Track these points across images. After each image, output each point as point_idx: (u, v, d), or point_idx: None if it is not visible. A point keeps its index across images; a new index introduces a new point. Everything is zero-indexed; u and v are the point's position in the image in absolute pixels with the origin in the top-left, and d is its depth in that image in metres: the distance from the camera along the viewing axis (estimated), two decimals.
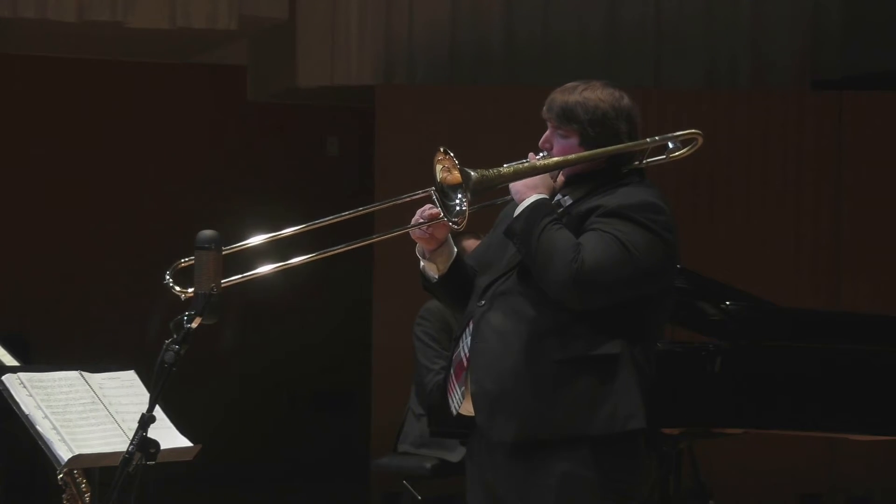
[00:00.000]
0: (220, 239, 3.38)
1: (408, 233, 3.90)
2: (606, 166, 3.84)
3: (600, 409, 3.69)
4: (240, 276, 3.71)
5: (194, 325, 3.35)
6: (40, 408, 3.74)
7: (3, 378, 3.78)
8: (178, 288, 3.58)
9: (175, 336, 3.35)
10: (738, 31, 9.49)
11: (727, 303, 6.09)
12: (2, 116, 9.85)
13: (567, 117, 3.81)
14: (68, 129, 10.00)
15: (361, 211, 4.02)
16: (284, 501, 9.74)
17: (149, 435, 3.37)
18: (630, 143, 3.83)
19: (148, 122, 10.17)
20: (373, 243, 4.21)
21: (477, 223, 3.94)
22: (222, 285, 3.39)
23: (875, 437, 5.89)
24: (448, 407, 3.92)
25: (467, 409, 3.85)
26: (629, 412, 3.71)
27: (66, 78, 9.99)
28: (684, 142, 3.89)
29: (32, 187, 9.91)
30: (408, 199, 3.91)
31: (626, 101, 3.84)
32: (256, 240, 3.84)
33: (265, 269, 3.80)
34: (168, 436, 3.77)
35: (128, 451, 3.37)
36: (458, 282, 3.95)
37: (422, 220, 3.86)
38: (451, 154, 3.72)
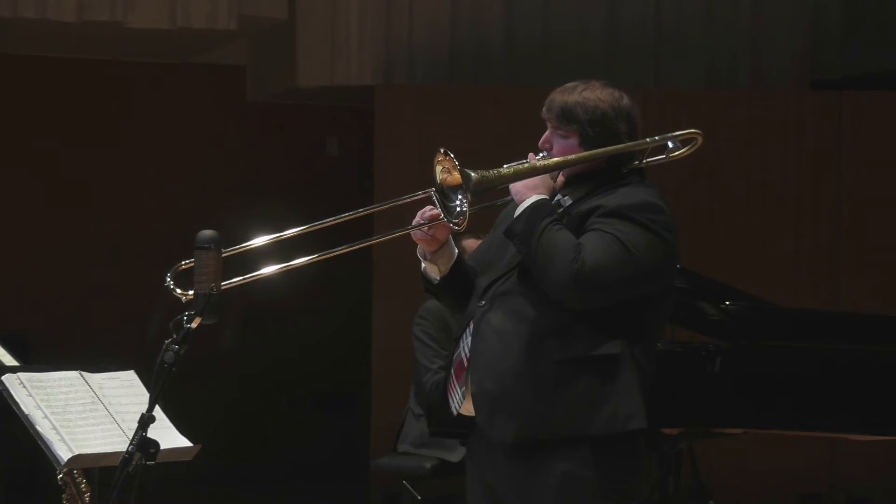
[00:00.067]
0: (220, 239, 3.38)
1: (408, 234, 3.90)
2: (606, 166, 3.84)
3: (601, 409, 3.69)
4: (240, 278, 3.71)
5: (194, 325, 3.35)
6: (40, 408, 3.74)
7: (3, 378, 3.78)
8: (178, 290, 3.58)
9: (175, 336, 3.35)
10: (738, 31, 9.49)
11: (727, 303, 6.08)
12: (2, 116, 9.85)
13: (567, 117, 3.82)
14: (68, 129, 9.99)
15: (362, 212, 4.02)
16: (284, 501, 9.74)
17: (149, 435, 3.37)
18: (630, 143, 3.83)
19: (148, 122, 10.17)
20: (373, 244, 4.20)
21: (477, 223, 3.94)
22: (223, 287, 3.39)
23: (875, 437, 5.89)
24: (448, 407, 3.92)
25: (468, 409, 3.85)
26: (630, 412, 3.71)
27: (66, 78, 9.99)
28: (684, 141, 3.89)
29: (32, 187, 9.91)
30: (408, 200, 3.91)
31: (625, 101, 3.85)
32: (258, 242, 3.84)
33: (265, 271, 3.80)
34: (168, 436, 3.77)
35: (127, 451, 3.37)
36: (460, 283, 3.95)
37: (422, 222, 3.86)
38: (452, 155, 3.72)
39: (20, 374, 3.80)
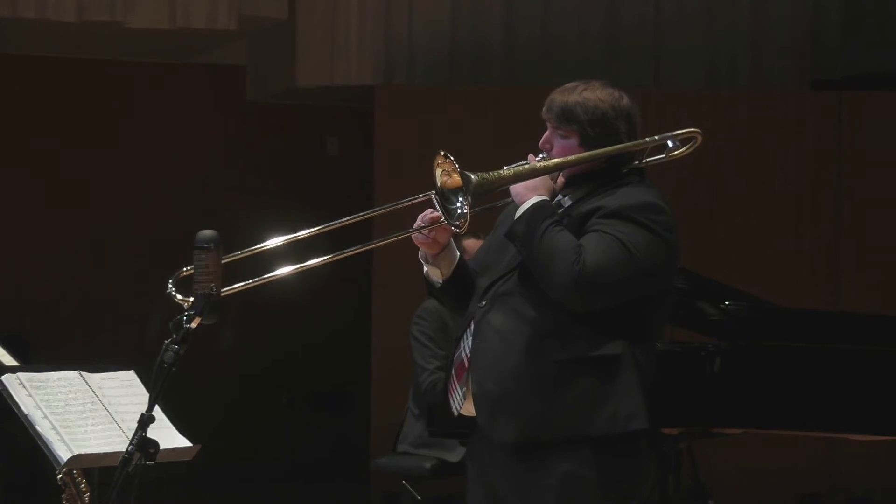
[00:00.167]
0: (220, 239, 3.38)
1: (408, 235, 3.90)
2: (606, 166, 3.84)
3: (601, 410, 3.69)
4: (241, 284, 3.71)
5: (194, 325, 3.35)
6: (39, 408, 3.74)
7: (3, 378, 3.78)
8: (180, 296, 3.57)
9: (175, 336, 3.35)
10: (738, 31, 9.50)
11: (727, 303, 6.08)
12: (2, 116, 9.85)
13: (567, 118, 3.81)
14: (68, 129, 9.99)
15: (363, 216, 4.03)
16: (284, 501, 9.74)
17: (148, 435, 3.37)
18: (630, 143, 3.83)
19: (148, 122, 10.17)
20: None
21: (477, 224, 3.94)
22: (223, 294, 3.39)
23: (875, 437, 5.88)
24: (449, 407, 3.92)
25: (468, 409, 3.85)
26: (631, 412, 3.71)
27: (66, 78, 9.99)
28: (683, 140, 3.89)
29: (32, 187, 9.91)
30: (408, 203, 3.91)
31: (625, 101, 3.84)
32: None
33: (266, 277, 3.80)
34: (167, 436, 3.77)
35: (127, 451, 3.37)
36: (462, 285, 3.95)
37: (423, 225, 3.86)
38: (451, 158, 3.72)
39: (20, 374, 3.80)
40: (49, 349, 9.23)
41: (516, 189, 3.78)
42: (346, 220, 3.94)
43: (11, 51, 9.72)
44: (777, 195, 9.09)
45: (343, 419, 10.25)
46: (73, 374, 3.89)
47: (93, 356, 7.45)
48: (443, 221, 3.79)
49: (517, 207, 3.77)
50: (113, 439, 3.77)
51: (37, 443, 3.73)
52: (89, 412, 3.81)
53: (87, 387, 3.87)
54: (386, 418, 8.13)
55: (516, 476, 3.76)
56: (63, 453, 3.69)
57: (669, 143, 3.87)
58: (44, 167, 9.91)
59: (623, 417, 3.70)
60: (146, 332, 9.02)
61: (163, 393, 3.38)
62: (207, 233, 3.38)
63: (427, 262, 3.96)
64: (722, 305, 6.09)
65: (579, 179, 3.84)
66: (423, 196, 3.85)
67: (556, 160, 3.81)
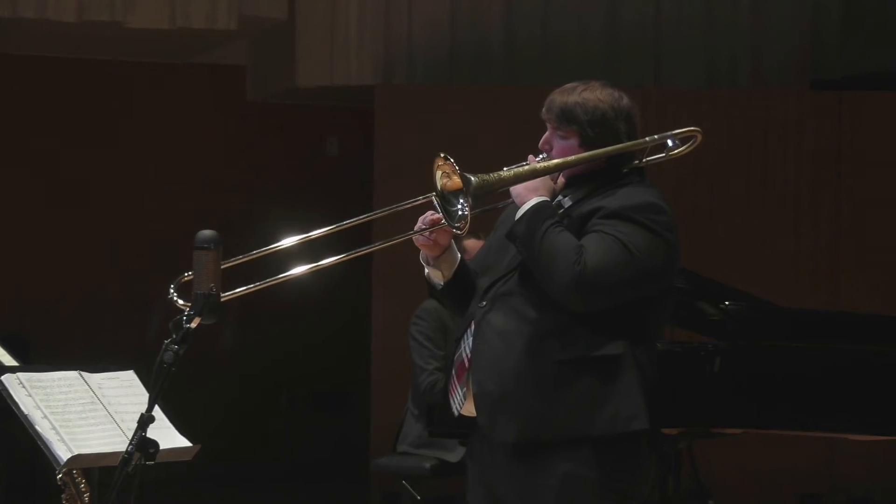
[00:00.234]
0: (220, 239, 3.38)
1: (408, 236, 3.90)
2: (606, 166, 3.84)
3: (602, 410, 3.69)
4: (243, 288, 3.71)
5: (193, 325, 3.35)
6: (39, 408, 3.74)
7: (3, 378, 3.78)
8: (181, 301, 3.57)
9: (174, 336, 3.35)
10: (738, 31, 9.50)
11: (726, 303, 6.08)
12: (2, 116, 9.85)
13: (566, 118, 3.81)
14: (68, 129, 10.00)
15: (364, 218, 4.03)
16: (284, 501, 9.75)
17: (148, 435, 3.37)
18: (629, 143, 3.83)
19: (148, 122, 10.17)
20: (371, 242, 4.20)
21: (478, 224, 3.94)
22: (224, 299, 3.39)
23: (875, 437, 5.88)
24: (449, 407, 3.92)
25: (469, 409, 3.85)
26: (632, 412, 3.71)
27: (66, 78, 9.99)
28: (683, 139, 3.88)
29: (32, 187, 9.91)
30: (409, 205, 3.91)
31: (625, 101, 3.84)
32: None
33: (266, 282, 3.80)
34: (167, 436, 3.76)
35: (127, 451, 3.37)
36: (463, 286, 3.95)
37: (424, 226, 3.86)
38: (452, 160, 3.72)
39: (19, 374, 3.80)
40: (49, 349, 9.23)
41: (517, 190, 3.78)
42: (348, 222, 3.94)
43: (11, 51, 9.72)
44: (777, 195, 9.09)
45: (343, 419, 10.26)
46: (72, 374, 3.89)
47: (93, 356, 7.45)
48: (443, 223, 3.79)
49: (517, 208, 3.77)
50: (113, 439, 3.77)
51: (36, 443, 3.73)
52: (89, 412, 3.81)
53: (87, 387, 3.87)
54: (386, 418, 8.13)
55: (517, 476, 3.76)
56: (63, 453, 3.69)
57: (669, 143, 3.87)
58: (44, 167, 9.91)
59: (624, 417, 3.70)
60: (146, 332, 9.02)
61: (163, 393, 3.38)
62: (207, 233, 3.38)
63: (428, 264, 3.96)
64: (722, 305, 6.09)
65: (579, 180, 3.84)
66: (423, 198, 3.85)
67: (556, 161, 3.80)
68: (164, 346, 3.35)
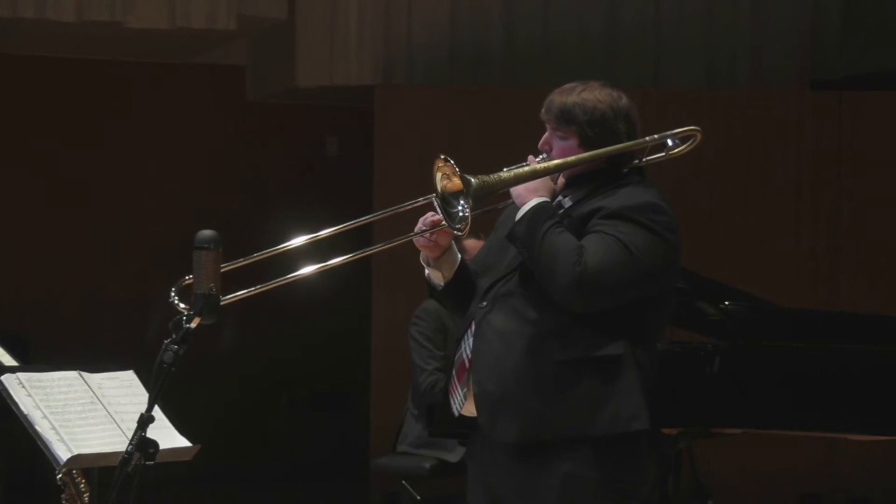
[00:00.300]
0: (220, 239, 3.38)
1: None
2: (606, 166, 3.84)
3: (603, 410, 3.69)
4: (244, 291, 3.70)
5: (193, 325, 3.35)
6: (39, 408, 3.74)
7: (2, 378, 3.78)
8: (182, 305, 3.57)
9: (174, 336, 3.35)
10: (738, 31, 9.50)
11: (726, 303, 6.08)
12: (2, 116, 9.85)
13: (565, 119, 3.81)
14: (68, 129, 10.00)
15: (365, 220, 4.04)
16: (284, 501, 9.75)
17: (148, 435, 3.37)
18: (629, 143, 3.83)
19: (148, 122, 10.17)
20: (371, 243, 4.20)
21: (478, 224, 3.94)
22: (225, 302, 3.39)
23: (875, 437, 5.89)
24: (450, 408, 3.92)
25: (469, 409, 3.85)
26: (632, 413, 3.71)
27: (66, 78, 9.99)
28: (683, 139, 3.88)
29: (32, 187, 9.91)
30: (410, 207, 3.92)
31: (624, 100, 3.84)
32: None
33: (267, 285, 3.80)
34: (167, 436, 3.76)
35: (127, 451, 3.37)
36: (464, 287, 3.95)
37: (424, 228, 3.86)
38: (452, 161, 3.72)
39: (19, 374, 3.80)
40: (49, 349, 9.23)
41: (517, 191, 3.78)
42: (349, 224, 3.94)
43: (11, 51, 9.72)
44: (777, 195, 9.09)
45: (343, 419, 10.26)
46: (72, 374, 3.89)
47: (93, 356, 7.44)
48: (444, 225, 3.79)
49: (518, 209, 3.77)
50: (112, 439, 3.77)
51: (36, 443, 3.73)
52: (89, 412, 3.81)
53: (87, 387, 3.87)
54: (386, 418, 8.13)
55: (517, 476, 3.76)
56: (62, 453, 3.69)
57: (669, 142, 3.87)
58: (44, 167, 9.91)
59: (625, 418, 3.70)
60: (146, 332, 9.02)
61: (162, 393, 3.38)
62: (207, 233, 3.38)
63: (429, 265, 3.96)
64: (722, 305, 6.09)
65: (579, 180, 3.84)
66: (423, 199, 3.85)
67: (556, 161, 3.80)
68: (164, 346, 3.35)
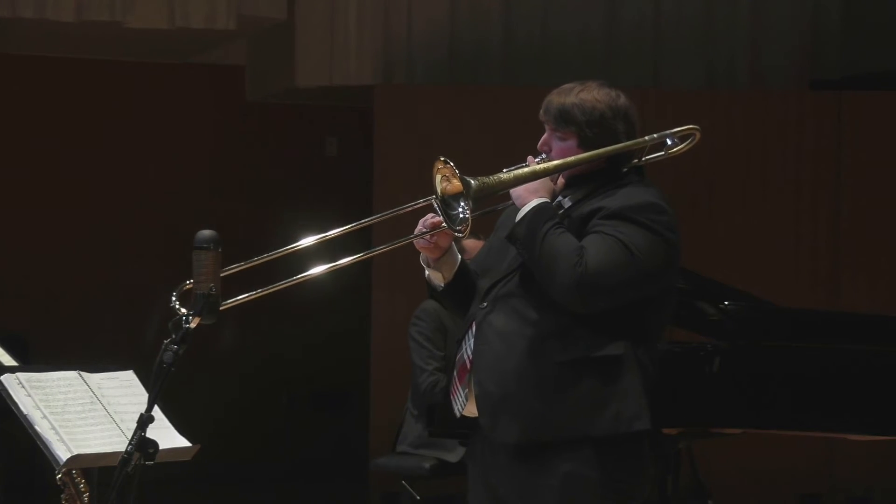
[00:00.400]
0: (219, 239, 3.38)
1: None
2: (606, 166, 3.83)
3: (604, 411, 3.69)
4: (245, 295, 3.70)
5: (193, 325, 3.35)
6: (39, 408, 3.74)
7: (2, 378, 3.78)
8: (183, 310, 3.57)
9: (174, 336, 3.35)
10: (737, 31, 9.50)
11: (726, 302, 6.08)
12: (2, 116, 9.85)
13: (564, 119, 3.81)
14: (68, 129, 10.00)
15: (366, 222, 4.04)
16: (284, 501, 9.75)
17: (147, 435, 3.37)
18: (628, 143, 3.83)
19: (148, 122, 10.17)
20: (371, 244, 4.20)
21: (478, 225, 3.94)
22: (225, 306, 3.39)
23: (875, 437, 5.89)
24: (450, 408, 3.92)
25: (471, 410, 3.85)
26: (634, 413, 3.71)
27: (66, 78, 9.99)
28: (682, 137, 3.88)
29: (32, 187, 9.91)
30: (410, 209, 3.92)
31: (622, 100, 3.84)
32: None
33: (269, 288, 3.80)
34: (167, 436, 3.76)
35: (126, 451, 3.36)
36: (464, 288, 3.95)
37: (424, 230, 3.86)
38: (451, 163, 3.71)
39: (19, 374, 3.80)
40: (49, 349, 9.23)
41: (517, 192, 3.78)
42: (351, 226, 3.94)
43: (11, 51, 9.72)
44: (777, 195, 9.08)
45: (343, 419, 10.26)
46: (72, 374, 3.89)
47: (92, 356, 7.45)
48: (444, 227, 3.79)
49: (517, 209, 3.77)
50: (112, 439, 3.77)
51: (36, 443, 3.73)
52: (88, 412, 3.81)
53: (87, 387, 3.87)
54: (385, 418, 8.14)
55: (518, 477, 3.76)
56: (62, 453, 3.69)
57: (668, 141, 3.87)
58: (44, 167, 9.91)
59: (626, 418, 3.70)
60: (146, 332, 9.02)
61: (162, 393, 3.38)
62: (207, 233, 3.38)
63: (429, 266, 3.96)
64: (722, 305, 6.09)
65: (579, 180, 3.84)
66: (424, 201, 3.85)
67: (555, 162, 3.80)
68: (163, 346, 3.35)
